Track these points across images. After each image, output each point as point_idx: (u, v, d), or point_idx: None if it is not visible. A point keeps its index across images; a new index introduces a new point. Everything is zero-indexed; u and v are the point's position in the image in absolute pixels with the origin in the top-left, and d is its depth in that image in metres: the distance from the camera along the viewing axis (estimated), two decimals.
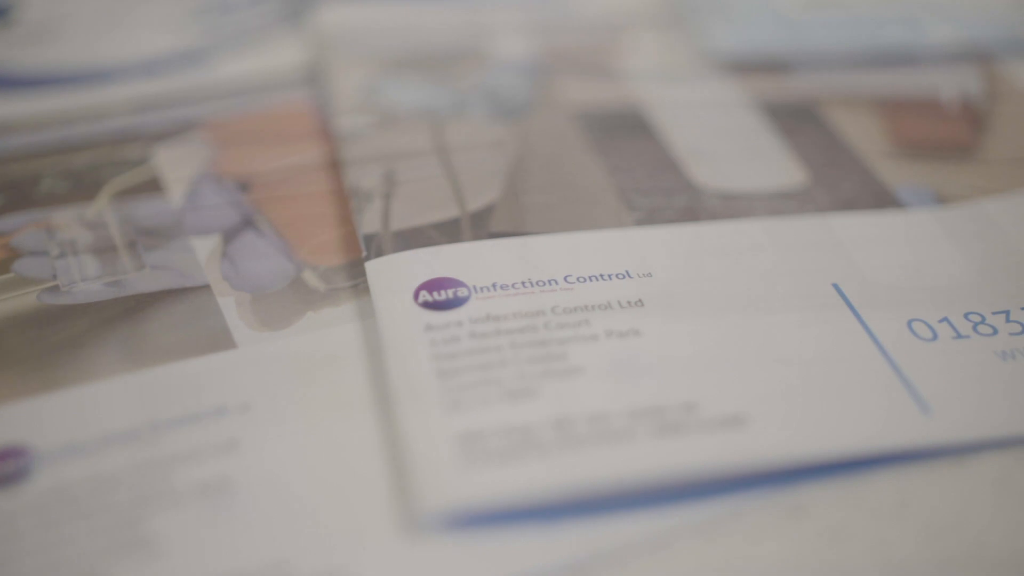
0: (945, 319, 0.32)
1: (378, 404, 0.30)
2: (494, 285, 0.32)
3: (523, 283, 0.32)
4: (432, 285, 0.32)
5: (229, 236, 0.35)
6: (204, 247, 0.35)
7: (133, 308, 0.33)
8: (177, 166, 0.38)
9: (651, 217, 0.35)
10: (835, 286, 0.33)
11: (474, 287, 0.32)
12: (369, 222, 0.34)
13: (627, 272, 0.32)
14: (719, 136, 0.40)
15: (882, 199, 0.36)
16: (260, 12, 0.47)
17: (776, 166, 0.38)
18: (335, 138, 0.39)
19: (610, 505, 0.27)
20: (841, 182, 0.37)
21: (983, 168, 0.38)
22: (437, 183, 0.36)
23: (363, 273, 0.33)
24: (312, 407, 0.30)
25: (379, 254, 0.33)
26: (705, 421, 0.28)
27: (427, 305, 0.31)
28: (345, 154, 0.38)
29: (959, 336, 0.31)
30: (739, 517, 0.27)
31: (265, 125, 0.41)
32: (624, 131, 0.40)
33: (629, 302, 0.31)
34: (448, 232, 0.34)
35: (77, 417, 0.29)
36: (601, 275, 0.32)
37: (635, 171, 0.37)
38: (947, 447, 0.28)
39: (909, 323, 0.31)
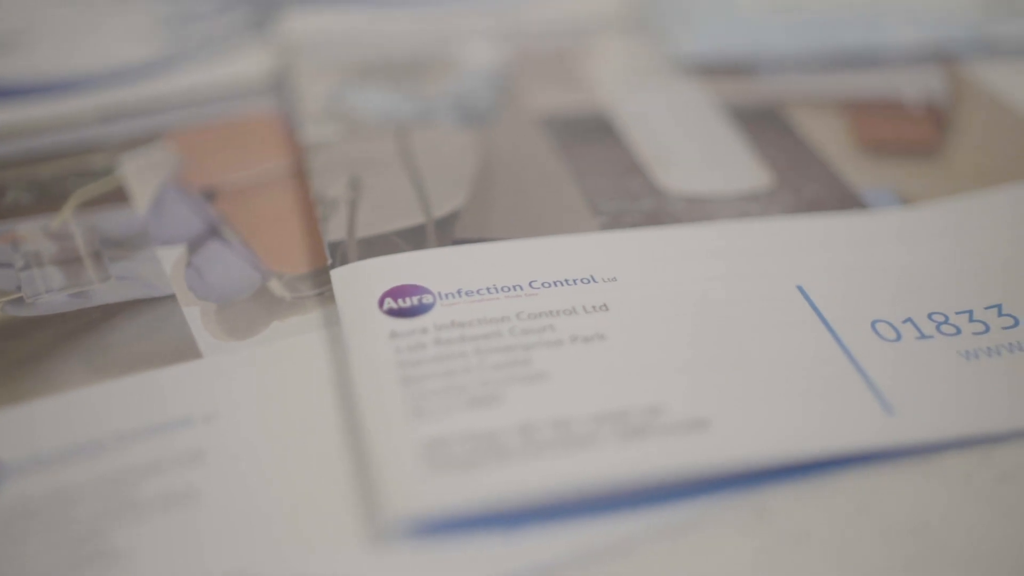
0: (909, 319, 0.32)
1: (344, 412, 0.30)
2: (459, 291, 0.32)
3: (488, 289, 0.32)
4: (397, 292, 0.32)
5: (195, 245, 0.35)
6: (170, 257, 0.35)
7: (98, 319, 0.33)
8: (143, 176, 0.38)
9: (616, 221, 0.35)
10: (799, 288, 0.33)
11: (439, 294, 0.32)
12: (334, 230, 0.34)
13: (592, 277, 0.33)
14: (684, 140, 0.40)
15: (846, 200, 0.37)
16: (227, 21, 0.47)
17: (741, 169, 0.38)
18: (301, 146, 0.39)
19: (575, 510, 0.27)
20: (806, 184, 0.37)
21: (947, 169, 0.38)
22: (403, 190, 0.36)
23: (329, 281, 0.33)
24: (278, 416, 0.30)
25: (344, 262, 0.33)
26: (669, 425, 0.28)
27: (392, 312, 0.31)
28: (311, 162, 0.38)
29: (923, 336, 0.31)
30: (704, 520, 0.27)
31: (232, 134, 0.41)
32: (590, 136, 0.40)
33: (594, 307, 0.32)
34: (413, 239, 0.34)
35: (41, 430, 0.29)
36: (566, 280, 0.32)
37: (600, 175, 0.37)
38: (910, 447, 0.29)
39: (873, 324, 0.32)
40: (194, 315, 0.33)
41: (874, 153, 0.39)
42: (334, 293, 0.32)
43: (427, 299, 0.31)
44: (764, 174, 0.38)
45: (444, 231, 0.34)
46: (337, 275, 0.33)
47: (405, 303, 0.31)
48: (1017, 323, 0.32)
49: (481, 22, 0.46)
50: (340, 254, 0.33)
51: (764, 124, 0.40)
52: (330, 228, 0.34)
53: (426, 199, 0.36)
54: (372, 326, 0.31)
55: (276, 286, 0.34)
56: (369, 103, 0.41)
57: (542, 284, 0.32)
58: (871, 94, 0.42)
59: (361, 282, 0.32)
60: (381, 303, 0.31)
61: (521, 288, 0.32)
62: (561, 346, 0.30)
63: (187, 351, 0.31)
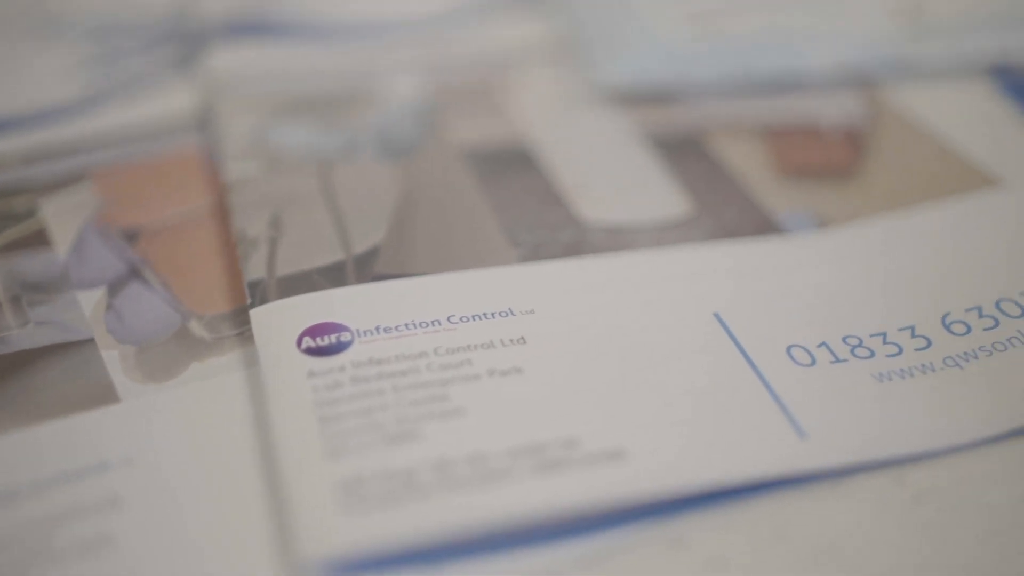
0: (824, 344, 0.32)
1: (263, 453, 0.30)
2: (377, 328, 0.32)
3: (406, 325, 0.32)
4: (315, 331, 0.32)
5: (114, 288, 0.35)
6: (90, 300, 0.35)
7: (16, 365, 0.32)
8: (65, 218, 0.38)
9: (536, 253, 0.35)
10: (716, 315, 0.33)
11: (357, 331, 0.32)
12: (255, 268, 0.34)
13: (510, 310, 0.33)
14: (605, 169, 0.40)
15: (765, 226, 0.37)
16: (151, 58, 0.47)
17: (661, 197, 0.39)
18: (224, 184, 0.39)
19: (493, 544, 0.27)
20: (725, 211, 0.38)
21: (864, 191, 0.39)
22: (323, 227, 0.36)
23: (249, 321, 0.33)
24: (196, 459, 0.30)
25: (264, 301, 0.33)
26: (586, 456, 0.29)
27: (310, 351, 0.31)
28: (233, 200, 0.38)
29: (837, 360, 0.32)
30: (622, 550, 0.28)
31: (155, 173, 0.41)
32: (512, 167, 0.40)
33: (512, 340, 0.32)
34: (333, 276, 0.34)
35: None
36: (484, 314, 0.33)
37: (521, 207, 0.38)
38: (823, 471, 0.29)
39: (788, 349, 0.32)
40: (113, 359, 0.33)
41: (793, 178, 0.40)
42: (253, 333, 0.32)
43: (345, 337, 0.32)
44: (684, 202, 0.38)
45: (364, 267, 0.35)
46: (256, 314, 0.33)
47: (323, 341, 0.31)
48: (930, 344, 0.32)
49: (405, 55, 0.46)
50: (260, 293, 0.33)
51: (685, 152, 0.41)
52: (250, 267, 0.35)
53: (346, 235, 0.36)
54: (290, 365, 0.31)
55: (196, 327, 0.34)
56: (292, 139, 0.41)
57: (460, 318, 0.32)
58: (791, 119, 0.43)
59: (280, 321, 0.32)
60: (299, 342, 0.31)
61: (439, 323, 0.32)
62: (478, 380, 0.30)
63: (105, 395, 0.31)
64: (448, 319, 0.32)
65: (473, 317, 0.32)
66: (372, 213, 0.37)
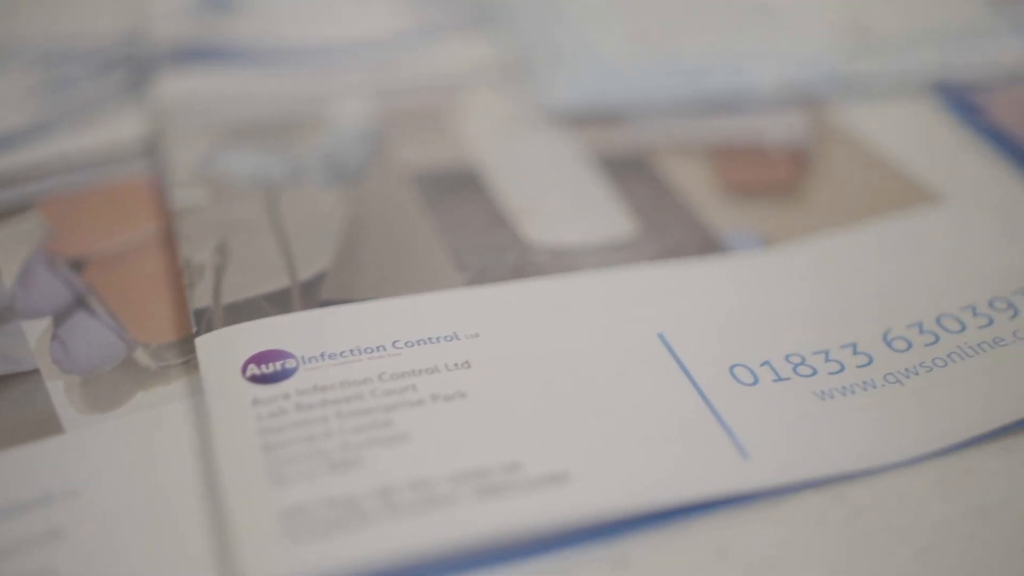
0: (767, 362, 0.33)
1: (208, 482, 0.30)
2: (322, 355, 0.32)
3: (351, 351, 0.32)
4: (260, 358, 0.32)
5: (60, 317, 0.35)
6: (35, 330, 0.35)
7: None
8: (11, 248, 0.38)
9: (481, 276, 0.35)
10: (660, 336, 0.33)
11: (302, 358, 0.32)
12: (200, 296, 0.34)
13: (455, 334, 0.33)
14: (551, 190, 0.40)
15: (710, 245, 0.37)
16: (100, 85, 0.47)
17: (606, 218, 0.39)
18: (171, 211, 0.39)
19: (436, 570, 0.27)
20: (670, 231, 0.38)
21: (808, 209, 0.39)
22: (269, 253, 0.36)
23: (195, 349, 0.33)
24: (140, 489, 0.30)
25: (209, 329, 0.33)
26: (528, 480, 0.29)
27: (255, 379, 0.31)
28: (179, 228, 0.38)
29: (779, 379, 0.32)
30: (565, 572, 0.28)
31: (103, 201, 0.41)
32: (458, 190, 0.40)
33: (456, 364, 0.32)
34: (279, 303, 0.34)
35: None
36: (429, 338, 0.33)
37: (467, 230, 0.38)
38: (764, 490, 0.29)
39: (731, 369, 0.32)
40: (58, 389, 0.32)
41: (738, 196, 0.40)
42: (199, 361, 0.32)
43: (290, 364, 0.32)
44: (629, 223, 0.39)
45: (310, 293, 0.35)
46: (202, 342, 0.33)
47: (268, 369, 0.31)
48: (871, 361, 0.33)
49: (353, 79, 0.46)
50: (206, 321, 0.33)
51: (631, 172, 0.41)
52: (196, 295, 0.35)
53: (292, 261, 0.36)
54: (235, 393, 0.31)
55: (142, 356, 0.34)
56: (239, 165, 0.41)
57: (405, 344, 0.32)
58: (735, 138, 0.43)
59: (225, 349, 0.32)
60: (244, 370, 0.31)
61: (384, 348, 0.32)
62: (422, 406, 0.31)
63: (49, 426, 0.31)
64: (393, 344, 0.32)
65: (418, 342, 0.32)
66: (318, 238, 0.37)
